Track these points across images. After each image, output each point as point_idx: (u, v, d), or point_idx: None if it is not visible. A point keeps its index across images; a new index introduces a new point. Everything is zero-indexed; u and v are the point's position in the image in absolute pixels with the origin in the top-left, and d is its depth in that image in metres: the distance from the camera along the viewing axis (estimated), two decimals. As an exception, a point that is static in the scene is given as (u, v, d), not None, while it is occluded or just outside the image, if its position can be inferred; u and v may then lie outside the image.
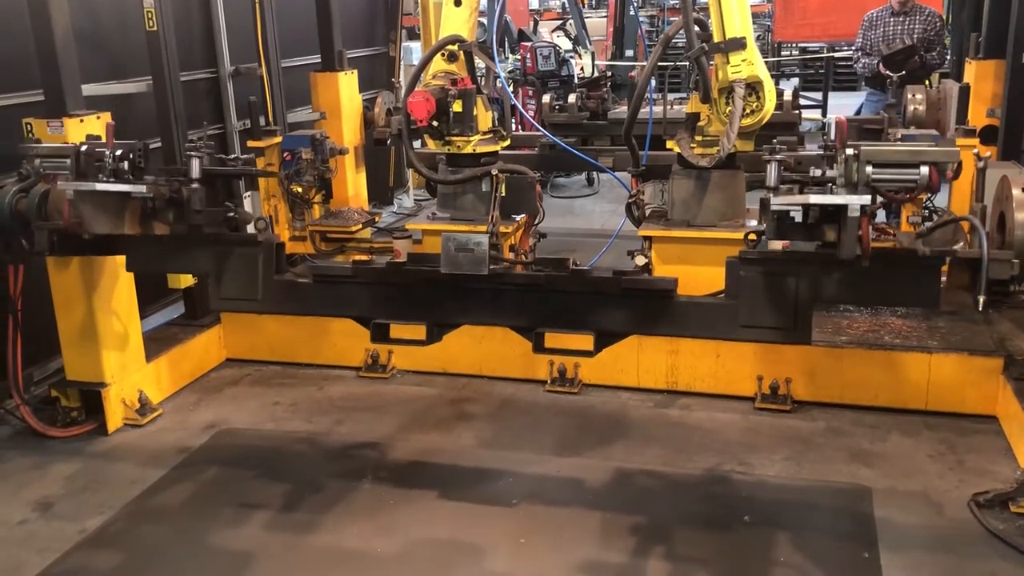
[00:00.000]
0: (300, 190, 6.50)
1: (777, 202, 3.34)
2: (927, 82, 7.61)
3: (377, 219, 7.28)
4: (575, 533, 3.96)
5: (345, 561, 3.82)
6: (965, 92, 5.76)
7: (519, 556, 3.83)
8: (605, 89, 7.36)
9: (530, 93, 10.25)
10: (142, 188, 4.07)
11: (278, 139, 6.52)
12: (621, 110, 7.23)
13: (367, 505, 4.23)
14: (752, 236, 3.64)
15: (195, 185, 4.11)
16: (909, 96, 5.96)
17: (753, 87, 4.92)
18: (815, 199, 3.26)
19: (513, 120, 7.61)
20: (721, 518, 4.04)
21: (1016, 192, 3.25)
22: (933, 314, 5.23)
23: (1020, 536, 3.79)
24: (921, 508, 4.07)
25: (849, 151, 3.24)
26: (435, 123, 5.55)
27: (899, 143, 3.34)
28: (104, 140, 4.28)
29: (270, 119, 6.67)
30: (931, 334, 5.03)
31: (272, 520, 4.13)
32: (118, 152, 4.13)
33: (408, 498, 4.27)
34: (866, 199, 3.23)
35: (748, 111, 4.96)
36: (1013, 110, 5.24)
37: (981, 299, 3.27)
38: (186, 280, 5.84)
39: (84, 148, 4.19)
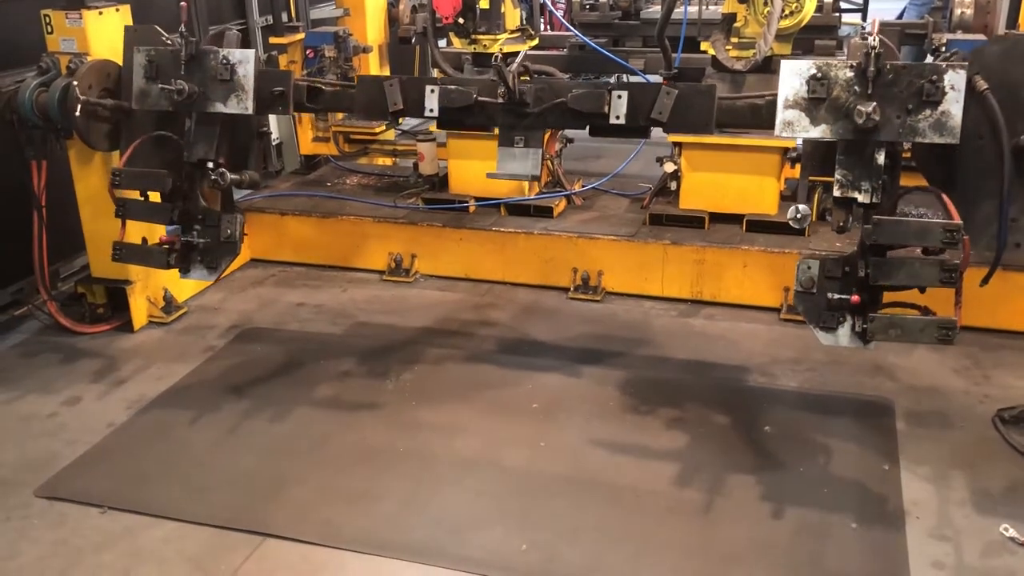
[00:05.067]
0: (323, 89, 6.37)
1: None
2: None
3: (401, 121, 7.16)
4: (592, 435, 4.00)
5: (369, 458, 3.89)
6: (1016, -5, 5.49)
7: (538, 457, 3.87)
8: (638, -13, 7.09)
9: (561, -9, 9.92)
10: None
11: (301, 36, 6.39)
12: (654, 9, 6.98)
13: (390, 405, 4.28)
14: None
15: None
16: (956, -1, 5.71)
17: (793, -15, 4.71)
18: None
19: (542, 19, 7.40)
20: (742, 426, 4.05)
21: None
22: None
23: (1043, 452, 3.78)
24: (944, 422, 4.05)
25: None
26: (461, 20, 5.41)
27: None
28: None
29: (293, 15, 6.51)
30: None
31: (297, 417, 4.20)
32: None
33: (430, 399, 4.31)
34: None
35: (787, 12, 4.78)
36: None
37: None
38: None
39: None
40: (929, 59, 5.37)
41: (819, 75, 3.06)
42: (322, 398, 4.36)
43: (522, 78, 3.68)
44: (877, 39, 3.01)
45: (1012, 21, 5.48)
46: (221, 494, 3.68)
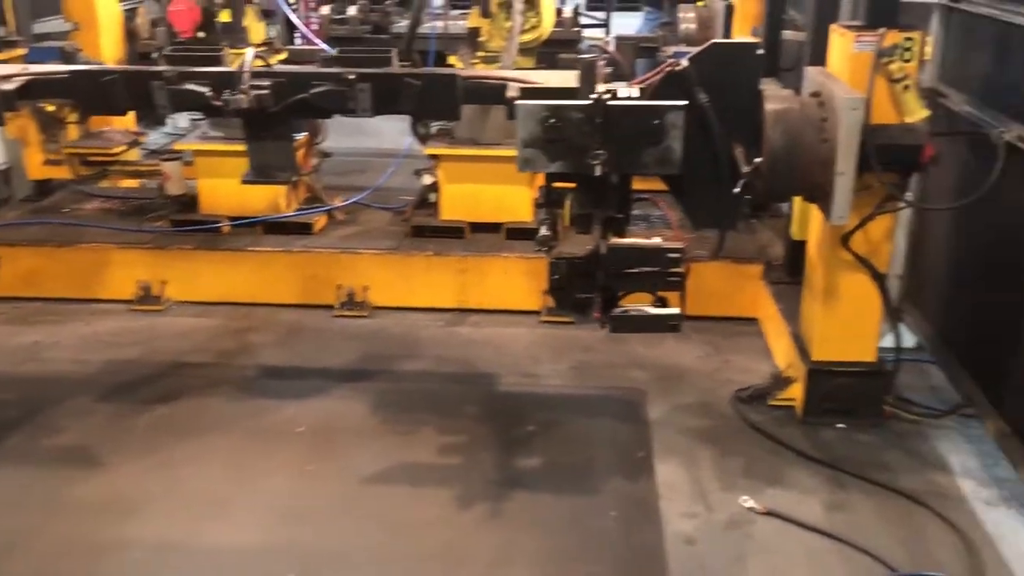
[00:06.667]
0: (52, 108, 5.87)
1: None
2: (698, 1, 7.90)
3: (142, 139, 6.74)
4: (363, 455, 3.94)
5: (116, 503, 3.60)
6: (730, 11, 6.02)
7: (304, 481, 3.77)
8: (388, 1, 7.11)
9: (312, 4, 9.76)
10: None
11: (21, 51, 5.83)
12: (404, 23, 7.02)
13: (142, 444, 4.00)
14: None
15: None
16: (681, 14, 6.18)
17: (532, 1, 4.90)
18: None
19: (295, 33, 7.24)
20: (508, 429, 4.14)
21: (768, 107, 3.43)
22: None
23: (775, 426, 4.15)
24: (691, 406, 4.35)
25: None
26: (201, 34, 5.16)
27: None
28: None
29: (12, 28, 5.94)
30: (701, 244, 5.31)
31: (38, 464, 3.82)
32: None
33: (187, 434, 4.08)
34: None
35: (527, 26, 4.95)
36: (772, 28, 5.56)
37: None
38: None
39: None
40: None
41: (553, 119, 3.19)
42: (65, 444, 3.99)
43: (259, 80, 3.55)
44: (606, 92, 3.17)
45: (727, 34, 6.00)
46: (-58, 564, 3.27)
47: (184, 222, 5.60)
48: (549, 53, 5.71)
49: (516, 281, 5.29)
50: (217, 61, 3.73)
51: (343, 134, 7.52)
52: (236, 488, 3.73)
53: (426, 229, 5.56)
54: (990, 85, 4.18)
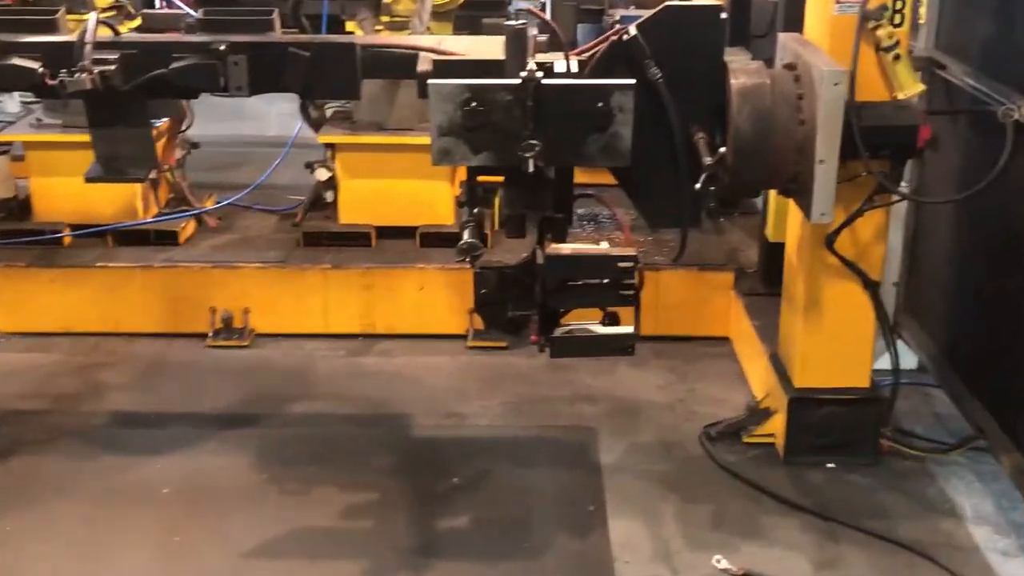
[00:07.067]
0: None
1: None
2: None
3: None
4: (245, 521, 3.89)
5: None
6: (689, -32, 6.11)
7: (171, 557, 3.70)
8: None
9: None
10: None
11: None
12: (290, -17, 6.99)
13: (-41, 517, 3.89)
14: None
15: None
16: (630, -30, 6.26)
17: (448, -47, 4.93)
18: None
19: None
20: (426, 483, 4.13)
21: (734, 83, 3.50)
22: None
23: (752, 468, 4.21)
24: (650, 447, 4.40)
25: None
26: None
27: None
28: None
29: None
30: (658, 248, 5.40)
31: None
32: None
33: (20, 502, 3.99)
34: None
35: (443, -15, 4.98)
36: (741, -10, 5.68)
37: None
38: None
39: None
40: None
41: (474, 101, 3.21)
42: None
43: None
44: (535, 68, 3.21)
45: (688, -4, 6.09)
46: None
47: (12, 232, 5.49)
48: (469, 17, 5.74)
49: (435, 298, 5.29)
50: (51, 28, 3.66)
51: (215, 119, 7.46)
52: (85, 568, 3.66)
53: (322, 236, 5.54)
54: (996, 53, 4.30)
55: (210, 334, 5.27)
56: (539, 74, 3.12)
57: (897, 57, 3.75)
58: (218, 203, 5.98)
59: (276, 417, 4.63)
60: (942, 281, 4.85)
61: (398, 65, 3.59)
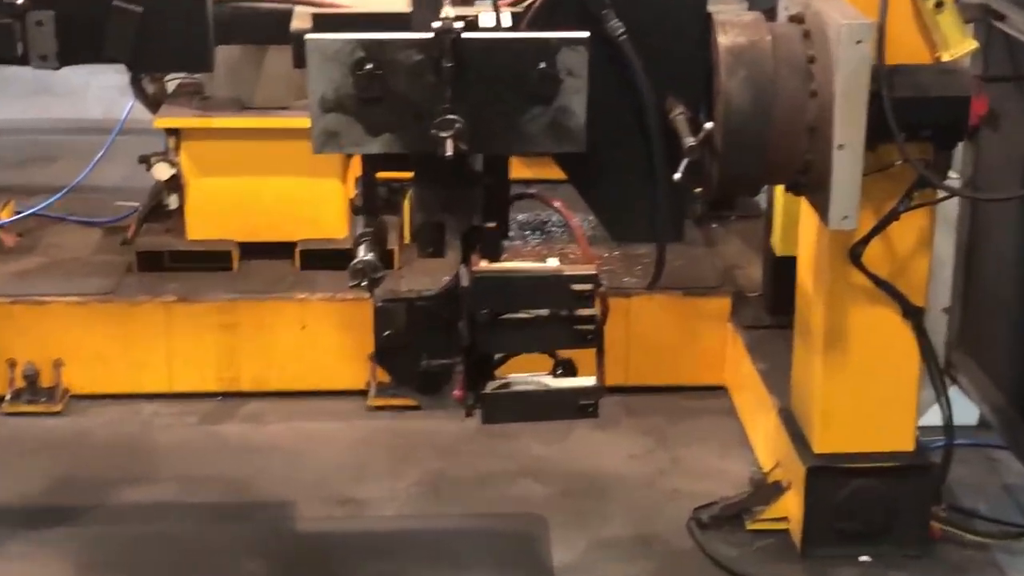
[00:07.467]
0: None
1: None
2: None
3: None
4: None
5: None
6: None
7: None
8: None
9: None
10: None
11: None
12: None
13: None
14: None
15: None
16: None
17: None
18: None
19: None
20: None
21: (722, 42, 3.52)
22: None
23: (759, 564, 4.23)
24: (621, 541, 4.40)
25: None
26: None
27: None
28: None
29: None
30: (628, 266, 5.42)
31: None
32: None
33: None
34: None
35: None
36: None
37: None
38: None
39: None
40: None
41: (370, 63, 3.19)
42: None
43: None
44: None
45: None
46: None
47: None
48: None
49: (322, 341, 5.30)
50: None
51: (13, 96, 7.39)
52: None
53: (163, 257, 5.54)
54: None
55: (7, 396, 5.25)
56: (458, 25, 3.12)
57: (940, 5, 3.80)
58: (17, 213, 5.93)
59: (100, 510, 4.59)
60: (1009, 306, 4.90)
61: (265, 24, 3.59)
